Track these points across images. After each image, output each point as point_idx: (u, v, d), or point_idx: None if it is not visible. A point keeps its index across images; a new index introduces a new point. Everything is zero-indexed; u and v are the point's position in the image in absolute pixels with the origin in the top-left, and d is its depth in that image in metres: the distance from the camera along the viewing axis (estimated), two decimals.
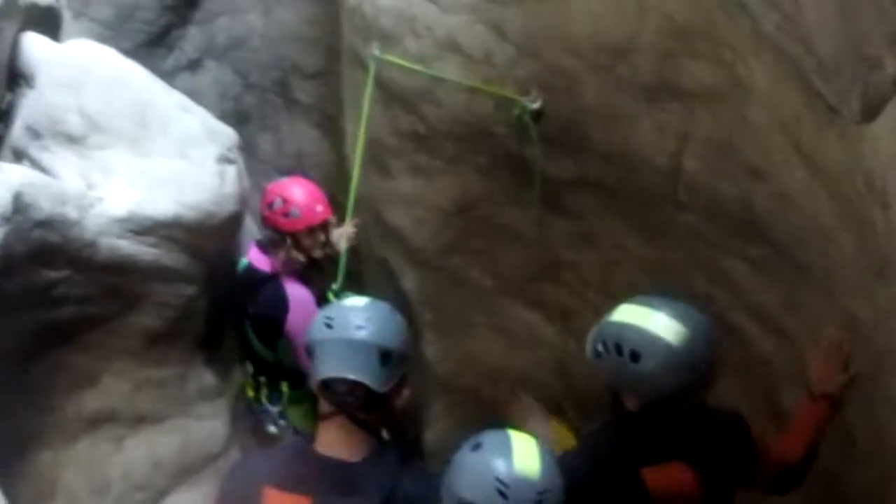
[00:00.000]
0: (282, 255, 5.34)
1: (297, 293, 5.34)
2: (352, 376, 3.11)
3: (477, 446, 2.80)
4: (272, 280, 5.36)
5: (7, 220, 3.59)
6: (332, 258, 5.71)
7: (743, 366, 4.44)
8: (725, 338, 4.27)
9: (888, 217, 3.03)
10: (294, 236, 5.31)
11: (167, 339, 4.97)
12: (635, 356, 3.27)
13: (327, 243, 5.53)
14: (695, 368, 3.24)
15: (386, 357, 3.14)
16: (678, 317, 3.29)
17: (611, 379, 3.47)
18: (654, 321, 3.30)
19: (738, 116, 3.99)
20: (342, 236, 5.68)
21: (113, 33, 7.72)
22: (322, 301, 5.35)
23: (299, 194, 5.33)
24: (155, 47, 8.15)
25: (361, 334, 3.15)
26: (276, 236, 5.35)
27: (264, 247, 5.46)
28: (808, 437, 3.64)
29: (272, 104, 8.42)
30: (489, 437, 2.84)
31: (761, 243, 4.12)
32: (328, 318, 3.24)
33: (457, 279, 5.72)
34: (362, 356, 3.13)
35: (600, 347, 3.42)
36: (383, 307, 3.35)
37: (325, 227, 5.44)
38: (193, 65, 8.47)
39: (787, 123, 3.66)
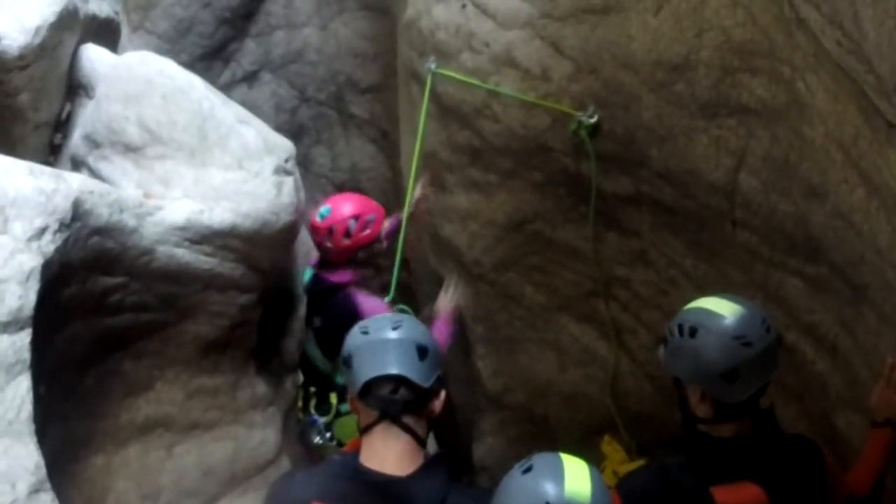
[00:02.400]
0: (358, 269, 5.47)
1: (369, 303, 5.39)
2: (394, 371, 3.16)
3: (528, 469, 2.78)
4: (341, 290, 5.42)
5: (66, 226, 3.63)
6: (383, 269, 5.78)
7: (798, 388, 4.40)
8: (782, 358, 4.26)
9: None
10: (369, 247, 5.46)
11: (221, 348, 5.00)
12: (693, 331, 3.35)
13: (387, 250, 5.63)
14: (750, 345, 3.28)
15: (423, 352, 3.22)
16: (734, 300, 3.42)
17: (675, 366, 3.49)
18: (711, 302, 3.45)
19: (796, 134, 3.96)
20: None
21: (170, 46, 7.82)
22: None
23: (333, 198, 5.57)
24: (212, 60, 8.24)
25: (397, 333, 3.25)
26: (361, 254, 5.50)
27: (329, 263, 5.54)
28: (876, 469, 3.63)
29: (328, 118, 8.48)
30: (540, 460, 2.83)
31: (818, 263, 4.08)
32: (362, 327, 3.34)
33: (510, 294, 5.71)
34: (401, 352, 3.21)
35: (667, 335, 3.47)
36: (411, 316, 3.46)
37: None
38: (250, 78, 8.55)
39: (846, 142, 3.63)
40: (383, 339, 3.24)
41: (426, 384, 3.20)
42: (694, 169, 4.51)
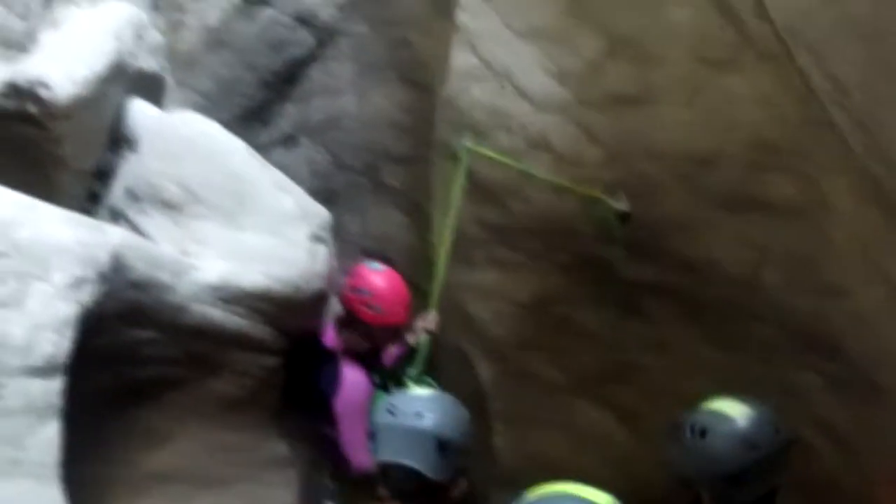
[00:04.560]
0: (346, 335, 5.44)
1: (351, 377, 5.37)
2: (408, 463, 3.18)
3: None
4: (332, 358, 5.43)
5: (105, 278, 3.70)
6: (414, 348, 5.76)
7: (810, 484, 4.41)
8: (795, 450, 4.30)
9: None
10: (367, 327, 5.40)
11: (244, 406, 5.03)
12: (704, 432, 3.37)
13: (397, 339, 5.62)
14: (757, 447, 3.32)
15: (444, 447, 3.21)
16: (746, 401, 3.42)
17: (683, 466, 3.52)
18: (723, 404, 3.44)
19: (818, 232, 4.02)
20: (423, 328, 5.71)
21: (212, 104, 7.88)
22: (384, 387, 5.43)
23: (388, 292, 5.38)
24: (251, 121, 8.31)
25: (421, 423, 3.24)
26: (349, 318, 5.44)
27: (335, 324, 5.54)
28: None
29: (361, 186, 8.53)
30: None
31: (836, 360, 4.13)
32: (392, 404, 3.35)
33: (530, 373, 5.74)
34: (420, 444, 3.21)
35: (678, 433, 3.50)
36: (447, 399, 3.43)
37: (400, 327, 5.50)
38: (287, 141, 8.62)
39: (868, 243, 3.70)
40: (407, 426, 3.24)
41: (442, 478, 3.22)
42: (716, 261, 4.57)
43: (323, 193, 7.89)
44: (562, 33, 5.04)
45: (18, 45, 5.16)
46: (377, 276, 5.48)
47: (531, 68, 5.18)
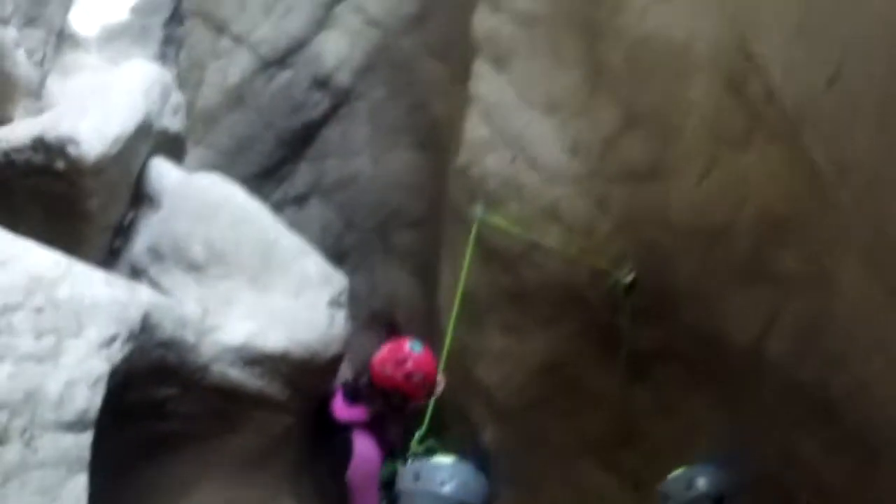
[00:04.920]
0: (375, 408, 5.40)
1: (363, 449, 5.34)
2: None
3: None
4: (344, 430, 5.42)
5: (135, 337, 3.80)
6: (422, 410, 5.80)
7: None
8: None
9: None
10: (412, 403, 5.42)
11: (260, 463, 5.09)
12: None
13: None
14: (668, 499, 4.02)
15: None
16: (695, 465, 3.86)
17: None
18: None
19: (822, 305, 4.12)
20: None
21: (228, 162, 7.94)
22: (397, 452, 5.48)
23: (433, 370, 5.38)
24: (266, 179, 8.39)
25: (444, 489, 3.40)
26: (396, 399, 5.34)
27: (351, 396, 5.46)
28: None
29: (371, 246, 8.59)
30: None
31: (835, 425, 4.21)
32: (415, 471, 3.49)
33: (536, 436, 5.79)
34: None
35: None
36: (468, 467, 3.58)
37: None
38: (300, 199, 8.69)
39: (869, 315, 3.80)
40: (430, 492, 3.40)
41: None
42: (723, 330, 4.66)
43: (333, 252, 7.94)
44: (577, 107, 5.16)
45: (35, 93, 5.30)
46: (422, 358, 5.39)
47: (545, 140, 5.29)
